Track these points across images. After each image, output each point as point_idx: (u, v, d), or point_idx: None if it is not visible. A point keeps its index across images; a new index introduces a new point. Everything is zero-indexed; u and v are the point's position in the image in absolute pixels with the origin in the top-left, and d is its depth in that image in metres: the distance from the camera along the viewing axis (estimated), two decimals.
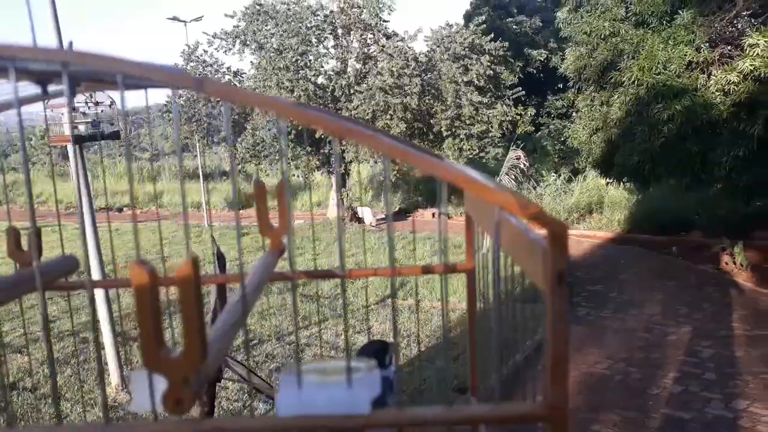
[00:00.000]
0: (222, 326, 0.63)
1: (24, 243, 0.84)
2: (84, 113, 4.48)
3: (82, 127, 4.47)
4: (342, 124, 0.55)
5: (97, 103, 4.69)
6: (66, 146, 4.99)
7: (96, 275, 5.11)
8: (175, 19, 17.38)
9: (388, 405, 0.96)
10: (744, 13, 8.79)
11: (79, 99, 4.35)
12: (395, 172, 14.02)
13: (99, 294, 5.39)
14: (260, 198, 0.89)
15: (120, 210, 17.63)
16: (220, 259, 3.01)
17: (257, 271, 0.84)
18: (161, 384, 0.72)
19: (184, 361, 0.49)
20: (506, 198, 0.53)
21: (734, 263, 9.07)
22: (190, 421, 0.52)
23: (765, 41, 7.95)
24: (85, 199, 4.54)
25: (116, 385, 5.11)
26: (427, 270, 1.08)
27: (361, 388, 0.58)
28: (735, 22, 8.89)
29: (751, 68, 7.95)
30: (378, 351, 1.03)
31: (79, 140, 4.31)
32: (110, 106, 4.93)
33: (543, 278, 0.51)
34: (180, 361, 0.49)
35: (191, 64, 14.63)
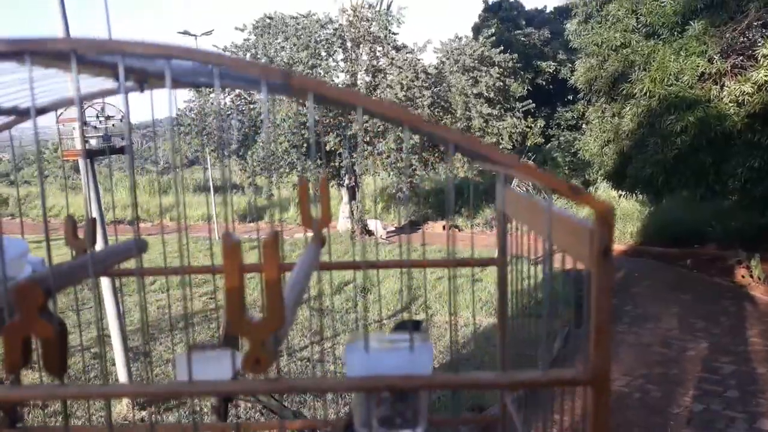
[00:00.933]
0: (287, 303, 0.69)
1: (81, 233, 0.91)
2: (95, 127, 4.47)
3: (93, 141, 4.45)
4: (423, 121, 0.59)
5: (108, 117, 4.67)
6: (77, 160, 4.97)
7: (106, 290, 5.07)
8: (186, 33, 17.50)
9: None
10: (756, 24, 8.72)
11: (90, 113, 4.34)
12: (408, 183, 13.98)
13: (110, 309, 5.35)
14: (302, 193, 0.99)
15: (131, 223, 17.65)
16: None
17: (305, 260, 0.90)
18: (205, 364, 0.79)
19: (264, 326, 0.54)
20: (559, 183, 0.59)
21: (751, 276, 8.93)
22: (267, 379, 0.58)
23: None
24: (96, 213, 4.51)
25: (127, 403, 5.04)
26: (461, 263, 1.14)
27: (422, 354, 0.65)
28: (747, 32, 8.81)
29: (766, 78, 7.87)
30: (412, 329, 1.05)
31: (90, 154, 4.29)
32: (121, 120, 4.92)
33: (589, 255, 0.56)
34: (261, 325, 0.54)
35: None
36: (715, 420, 4.63)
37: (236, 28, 14.78)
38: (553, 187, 0.59)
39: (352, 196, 15.00)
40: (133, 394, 0.65)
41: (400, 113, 0.58)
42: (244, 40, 14.57)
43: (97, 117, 4.43)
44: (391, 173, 13.59)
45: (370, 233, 14.08)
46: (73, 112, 4.66)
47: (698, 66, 8.76)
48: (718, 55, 8.75)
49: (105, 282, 4.95)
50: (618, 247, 12.53)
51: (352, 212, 14.64)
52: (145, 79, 0.71)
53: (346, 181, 14.48)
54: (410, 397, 0.69)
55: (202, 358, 0.85)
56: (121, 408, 4.94)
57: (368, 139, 13.45)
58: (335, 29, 14.13)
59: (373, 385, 0.61)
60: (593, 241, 0.54)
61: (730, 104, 8.39)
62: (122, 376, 5.20)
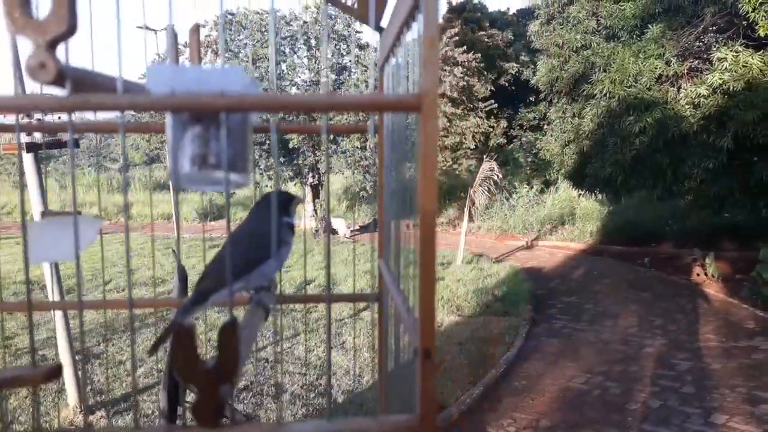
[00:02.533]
0: None
1: None
2: (40, 120, 4.25)
3: (37, 135, 4.24)
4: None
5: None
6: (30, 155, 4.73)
7: (54, 289, 4.85)
8: (146, 27, 17.11)
9: (289, 244, 0.98)
10: (711, 28, 8.91)
11: None
12: (372, 182, 13.90)
13: (57, 311, 5.13)
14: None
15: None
16: (181, 273, 2.84)
17: None
18: (56, 233, 0.69)
19: (50, 23, 0.48)
20: None
21: (705, 274, 9.12)
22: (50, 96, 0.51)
23: (733, 56, 8.07)
24: (38, 209, 4.30)
25: (74, 407, 4.84)
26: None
27: (237, 69, 0.53)
28: (702, 36, 9.01)
29: (720, 81, 8.05)
30: (284, 201, 0.99)
31: (33, 148, 4.08)
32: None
33: None
34: (46, 23, 0.48)
35: None
36: (671, 416, 4.68)
37: (198, 24, 14.49)
38: None
39: (316, 195, 14.85)
40: None
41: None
42: (206, 36, 14.28)
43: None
44: (355, 172, 13.50)
45: (333, 232, 13.97)
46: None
47: (656, 68, 8.91)
48: (675, 57, 8.92)
49: (52, 280, 4.74)
50: (578, 245, 12.69)
51: (315, 211, 14.50)
52: None
53: (310, 180, 14.32)
54: (222, 132, 0.58)
55: (57, 223, 0.75)
56: (68, 412, 4.74)
57: (332, 137, 13.33)
58: (299, 26, 13.97)
59: (173, 104, 0.51)
60: None
61: (687, 106, 8.56)
62: (69, 380, 4.99)
